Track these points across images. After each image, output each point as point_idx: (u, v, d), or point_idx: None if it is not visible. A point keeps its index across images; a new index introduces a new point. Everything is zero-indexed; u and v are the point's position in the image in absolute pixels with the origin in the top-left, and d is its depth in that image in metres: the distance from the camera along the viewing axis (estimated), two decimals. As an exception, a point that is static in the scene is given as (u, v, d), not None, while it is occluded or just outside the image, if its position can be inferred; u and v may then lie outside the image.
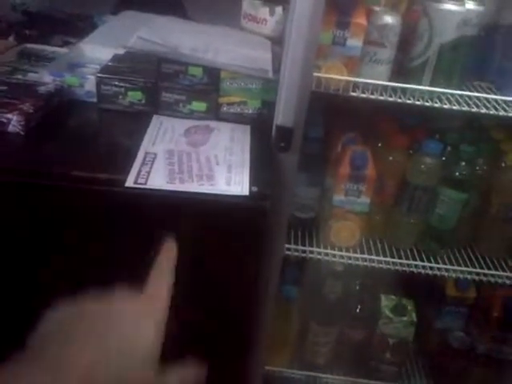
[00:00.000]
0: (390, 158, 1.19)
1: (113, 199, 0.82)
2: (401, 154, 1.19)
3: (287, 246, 1.20)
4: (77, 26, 1.38)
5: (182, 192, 0.82)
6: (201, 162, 0.90)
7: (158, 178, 0.84)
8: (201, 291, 0.93)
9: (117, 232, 0.85)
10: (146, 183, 0.82)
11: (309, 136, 1.16)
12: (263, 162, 0.92)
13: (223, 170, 0.88)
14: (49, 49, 1.19)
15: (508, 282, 1.20)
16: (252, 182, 0.86)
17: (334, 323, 1.34)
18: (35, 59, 1.13)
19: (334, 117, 1.22)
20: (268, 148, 0.97)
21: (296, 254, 1.20)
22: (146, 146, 0.92)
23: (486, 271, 1.21)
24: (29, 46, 1.22)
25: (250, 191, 0.84)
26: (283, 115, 0.91)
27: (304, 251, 1.21)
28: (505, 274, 1.20)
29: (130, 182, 0.82)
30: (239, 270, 0.92)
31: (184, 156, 0.91)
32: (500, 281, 1.20)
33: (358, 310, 1.34)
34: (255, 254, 0.90)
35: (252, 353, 1.28)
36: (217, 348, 1.10)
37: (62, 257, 0.88)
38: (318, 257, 1.21)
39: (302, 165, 1.19)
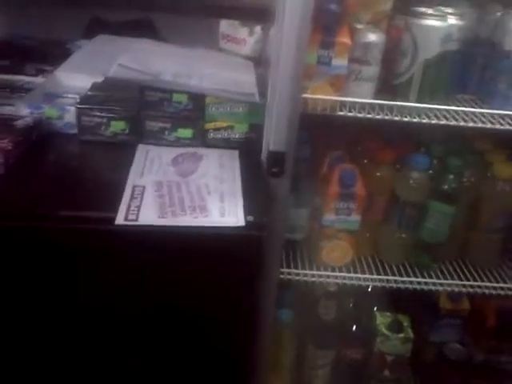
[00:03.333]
0: (378, 174, 1.18)
1: (103, 238, 0.79)
2: (388, 170, 1.18)
3: (281, 270, 1.17)
4: (50, 53, 1.34)
5: (175, 226, 0.79)
6: (191, 192, 0.87)
7: (149, 213, 0.81)
8: (199, 324, 0.90)
9: (109, 271, 0.81)
10: (137, 219, 0.79)
11: (296, 156, 1.15)
12: (256, 189, 0.90)
13: (215, 199, 0.86)
14: (23, 79, 1.14)
15: (501, 292, 1.20)
16: (247, 212, 0.83)
17: (330, 344, 1.31)
18: (9, 91, 1.09)
19: (318, 136, 1.20)
20: (259, 173, 0.95)
21: (289, 277, 1.18)
22: (133, 178, 0.89)
23: (480, 283, 1.20)
24: (0, 76, 1.17)
25: (246, 221, 0.81)
26: (275, 140, 0.89)
27: (298, 274, 1.18)
28: (498, 284, 1.19)
29: (120, 220, 0.79)
30: (237, 300, 0.89)
31: (174, 187, 0.88)
32: (494, 292, 1.19)
33: (354, 330, 1.32)
34: (253, 283, 0.88)
35: (251, 381, 1.25)
36: (216, 377, 1.07)
37: (50, 300, 0.83)
38: (312, 279, 1.19)
39: (291, 186, 1.18)
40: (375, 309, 1.34)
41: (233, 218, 0.81)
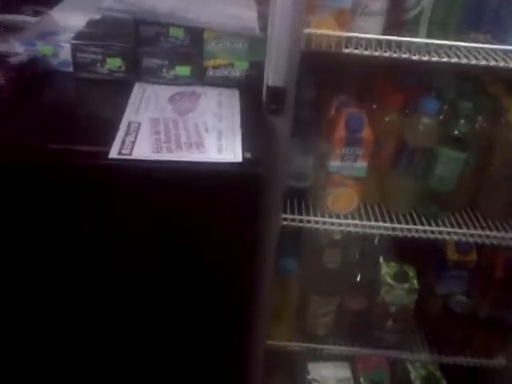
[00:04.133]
0: (386, 119, 1.14)
1: (96, 172, 0.77)
2: (397, 115, 1.13)
3: (284, 216, 1.15)
4: (48, -5, 1.30)
5: (170, 161, 0.77)
6: (189, 129, 0.84)
7: (144, 148, 0.78)
8: (194, 264, 0.89)
9: (102, 206, 0.79)
10: (130, 154, 0.77)
11: (301, 99, 1.11)
12: (255, 127, 0.87)
13: (213, 137, 0.83)
14: (19, 18, 1.11)
15: (511, 243, 1.17)
16: (244, 148, 0.81)
17: (333, 293, 1.30)
18: (4, 29, 1.06)
19: (325, 78, 1.16)
20: (259, 112, 0.92)
21: (293, 224, 1.15)
22: (129, 115, 0.86)
23: (488, 233, 1.17)
24: (-3, 16, 1.14)
25: (243, 158, 0.78)
26: (274, 74, 0.85)
27: (301, 220, 1.16)
28: (508, 235, 1.17)
29: (113, 154, 0.76)
30: (236, 240, 0.87)
31: (170, 124, 0.85)
32: (503, 243, 1.16)
33: (358, 279, 1.30)
34: (251, 224, 0.86)
35: (253, 328, 1.25)
36: (217, 324, 1.07)
37: (43, 237, 0.82)
38: (316, 226, 1.17)
39: (295, 131, 1.14)
40: (381, 259, 1.32)
41: (230, 155, 0.79)
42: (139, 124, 0.84)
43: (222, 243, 0.86)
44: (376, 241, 1.30)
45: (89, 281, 0.88)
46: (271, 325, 1.31)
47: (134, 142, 0.79)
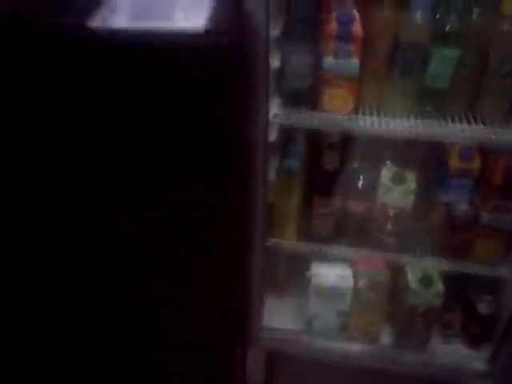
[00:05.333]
0: (381, 16, 1.17)
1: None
2: (391, 12, 1.16)
3: (282, 112, 1.23)
4: None
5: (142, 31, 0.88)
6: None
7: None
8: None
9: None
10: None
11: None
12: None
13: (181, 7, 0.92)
14: None
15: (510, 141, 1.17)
16: (212, 21, 0.89)
17: (334, 194, 1.36)
18: None
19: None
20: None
21: (291, 121, 1.22)
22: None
23: (489, 129, 1.17)
24: None
25: (208, 27, 0.87)
26: None
27: (300, 118, 1.22)
28: (505, 131, 1.17)
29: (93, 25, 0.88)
30: (209, 116, 0.97)
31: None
32: (503, 138, 1.17)
33: (358, 182, 1.35)
34: (221, 96, 0.94)
35: (253, 225, 1.35)
36: (216, 221, 1.18)
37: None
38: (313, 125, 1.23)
39: (295, 32, 1.21)
40: (384, 163, 1.35)
41: (196, 24, 0.88)
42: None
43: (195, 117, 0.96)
44: (378, 144, 1.33)
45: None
46: (276, 225, 1.41)
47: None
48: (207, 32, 0.87)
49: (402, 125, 1.21)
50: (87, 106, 0.96)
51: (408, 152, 1.36)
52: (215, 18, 0.90)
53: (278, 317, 1.55)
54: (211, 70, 0.90)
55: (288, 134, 1.40)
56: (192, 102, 0.95)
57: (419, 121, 1.21)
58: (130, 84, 0.93)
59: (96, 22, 0.88)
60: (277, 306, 1.57)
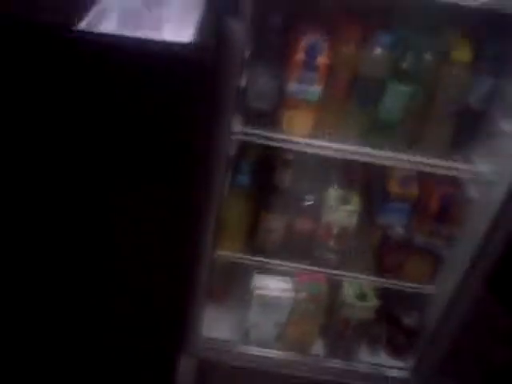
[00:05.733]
0: (344, 50, 1.23)
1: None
2: (354, 46, 1.23)
3: (244, 130, 1.25)
4: None
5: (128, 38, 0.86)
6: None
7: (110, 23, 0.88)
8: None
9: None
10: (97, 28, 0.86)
11: (269, 24, 1.21)
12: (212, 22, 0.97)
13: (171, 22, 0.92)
14: None
15: (449, 173, 1.29)
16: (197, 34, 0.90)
17: (282, 211, 1.41)
18: None
19: (294, 10, 1.25)
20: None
21: (251, 138, 1.26)
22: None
23: (427, 160, 1.29)
24: None
25: (193, 41, 0.88)
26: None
27: (259, 136, 1.26)
28: (445, 163, 1.28)
29: (81, 27, 0.86)
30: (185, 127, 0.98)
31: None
32: (440, 171, 1.28)
33: (306, 200, 1.41)
34: (194, 111, 0.96)
35: (202, 237, 1.36)
36: (172, 227, 1.18)
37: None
38: (273, 143, 1.27)
39: (262, 55, 1.24)
40: (330, 185, 1.42)
41: (183, 37, 0.88)
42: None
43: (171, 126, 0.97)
44: (326, 164, 1.40)
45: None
46: (224, 238, 1.43)
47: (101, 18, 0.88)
48: (192, 46, 0.88)
49: (351, 149, 1.29)
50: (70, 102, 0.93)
51: (353, 175, 1.45)
52: (200, 33, 0.91)
53: (214, 326, 1.57)
54: (190, 81, 0.91)
55: (242, 149, 1.42)
56: (167, 107, 0.95)
57: (368, 148, 1.30)
58: (110, 86, 0.92)
59: (85, 24, 0.86)
60: (213, 315, 1.59)
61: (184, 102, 0.93)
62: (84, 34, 0.85)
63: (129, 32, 0.86)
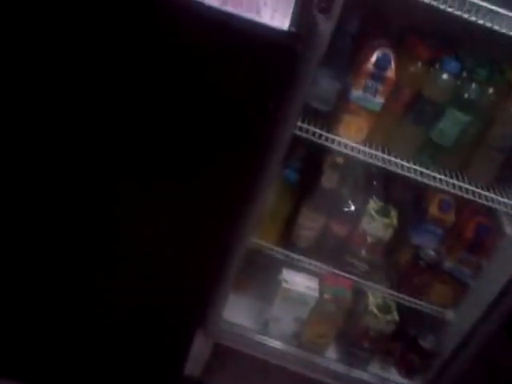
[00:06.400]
0: (411, 68, 1.30)
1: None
2: (421, 67, 1.30)
3: (300, 124, 1.32)
4: None
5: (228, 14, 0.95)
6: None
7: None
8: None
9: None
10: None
11: (342, 30, 1.28)
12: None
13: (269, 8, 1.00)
14: None
15: (488, 204, 1.34)
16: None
17: (322, 211, 1.47)
18: None
19: (369, 20, 1.32)
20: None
21: (306, 135, 1.32)
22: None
23: (471, 187, 1.34)
24: None
25: (289, 29, 0.96)
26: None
27: (314, 134, 1.32)
28: (487, 193, 1.34)
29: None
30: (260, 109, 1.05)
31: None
32: (480, 200, 1.33)
33: (347, 205, 1.47)
34: (278, 93, 1.03)
35: (243, 223, 1.41)
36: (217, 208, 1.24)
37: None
38: (325, 143, 1.34)
39: (330, 58, 1.31)
40: (371, 195, 1.48)
41: (279, 23, 0.97)
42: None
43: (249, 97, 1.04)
44: (372, 175, 1.46)
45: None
46: (262, 228, 1.48)
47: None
48: (289, 34, 0.96)
49: (400, 163, 1.34)
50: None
51: (395, 190, 1.50)
52: (295, 24, 0.99)
53: (235, 312, 1.61)
54: (280, 69, 0.98)
55: (293, 145, 1.49)
56: (252, 89, 1.03)
57: (417, 165, 1.36)
58: (199, 57, 1.00)
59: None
60: (235, 301, 1.64)
61: (269, 88, 1.00)
62: (191, 3, 0.94)
63: (231, 10, 0.95)
